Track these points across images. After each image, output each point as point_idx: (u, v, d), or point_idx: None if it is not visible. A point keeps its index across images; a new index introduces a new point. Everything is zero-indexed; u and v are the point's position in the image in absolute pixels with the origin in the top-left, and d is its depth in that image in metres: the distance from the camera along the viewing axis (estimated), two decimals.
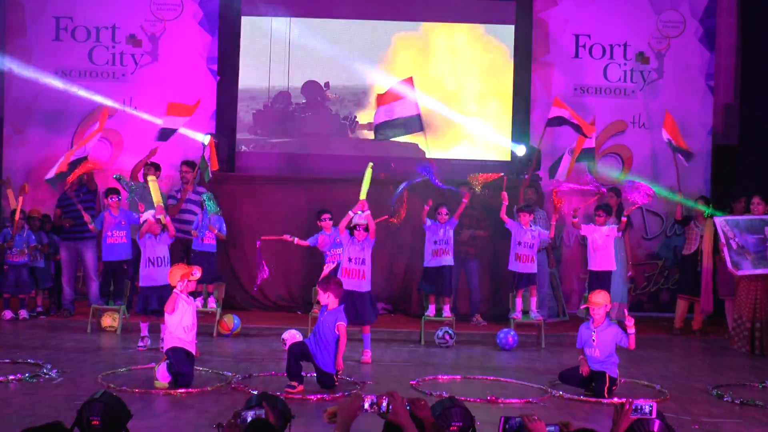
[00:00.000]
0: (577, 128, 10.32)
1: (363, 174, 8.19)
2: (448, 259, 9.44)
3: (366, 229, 8.12)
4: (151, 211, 8.21)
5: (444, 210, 9.38)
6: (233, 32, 12.09)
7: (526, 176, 10.67)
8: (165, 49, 12.03)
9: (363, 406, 4.12)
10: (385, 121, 9.89)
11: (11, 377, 6.79)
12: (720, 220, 9.30)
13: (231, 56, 12.08)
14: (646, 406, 4.49)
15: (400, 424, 4.02)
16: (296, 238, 9.25)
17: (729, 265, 9.13)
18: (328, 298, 7.07)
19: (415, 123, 9.87)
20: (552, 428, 4.09)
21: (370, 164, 8.24)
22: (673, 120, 10.43)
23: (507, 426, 4.35)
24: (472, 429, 5.01)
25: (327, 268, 7.86)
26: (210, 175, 9.97)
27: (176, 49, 12.01)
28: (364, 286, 8.15)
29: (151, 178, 8.52)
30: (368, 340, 8.18)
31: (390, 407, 4.14)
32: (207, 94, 11.96)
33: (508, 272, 9.60)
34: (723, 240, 9.16)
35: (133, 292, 9.45)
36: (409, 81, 9.96)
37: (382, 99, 10.02)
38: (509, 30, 12.12)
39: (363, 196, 8.05)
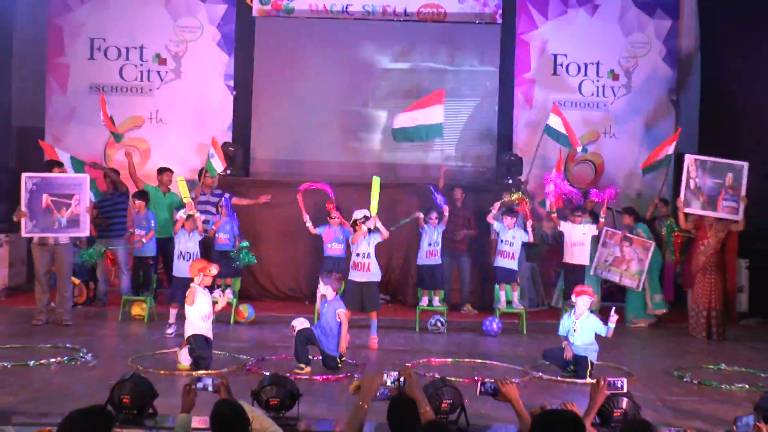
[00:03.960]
0: (565, 139, 10.30)
1: (370, 181, 8.24)
2: (437, 259, 9.47)
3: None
4: (187, 205, 8.24)
5: (434, 214, 9.42)
6: (248, 52, 12.12)
7: (509, 181, 10.70)
8: (187, 67, 12.05)
9: (385, 381, 4.21)
10: (406, 127, 9.88)
11: (52, 360, 6.84)
12: (690, 157, 9.25)
13: (245, 73, 12.11)
14: (618, 382, 4.61)
15: (414, 397, 4.08)
16: (311, 224, 9.28)
17: (680, 197, 9.11)
18: (327, 290, 7.13)
19: (438, 130, 9.88)
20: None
21: (376, 178, 8.24)
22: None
23: (483, 389, 4.45)
24: (461, 406, 5.05)
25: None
26: (216, 172, 10.01)
27: (197, 67, 12.03)
28: (371, 277, 8.19)
29: (180, 178, 8.54)
30: (375, 326, 8.18)
31: (405, 382, 4.22)
32: (224, 107, 12.01)
33: (493, 267, 9.66)
34: (684, 177, 9.10)
35: (159, 285, 9.48)
36: (441, 94, 9.98)
37: (411, 106, 10.03)
38: (494, 50, 12.15)
39: (374, 212, 8.11)
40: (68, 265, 8.85)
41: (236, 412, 3.84)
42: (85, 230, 8.82)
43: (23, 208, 8.52)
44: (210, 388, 4.45)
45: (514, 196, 9.47)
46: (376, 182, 8.25)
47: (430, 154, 12.06)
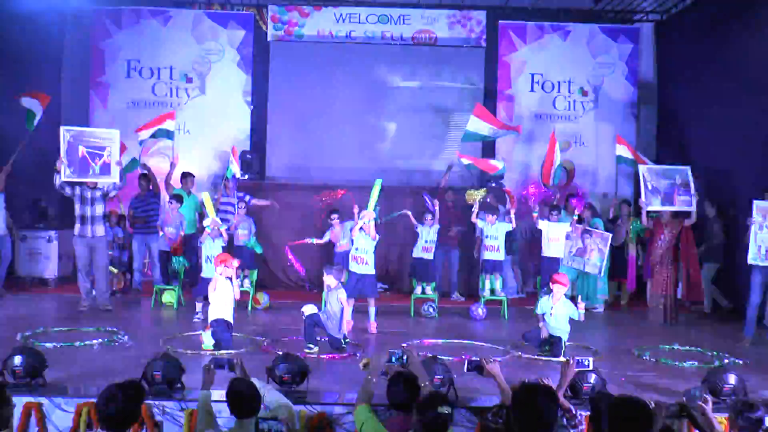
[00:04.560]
0: (495, 131, 10.53)
1: (372, 184, 8.17)
2: (430, 255, 9.47)
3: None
4: (210, 219, 8.16)
5: (429, 216, 9.43)
6: (263, 71, 12.14)
7: (493, 184, 10.71)
8: (211, 85, 12.06)
9: (390, 358, 4.28)
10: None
11: (94, 341, 6.88)
12: (643, 167, 9.40)
13: (262, 90, 12.13)
14: (585, 360, 4.62)
15: (416, 372, 4.17)
16: (315, 239, 9.32)
17: (642, 198, 9.18)
18: (330, 280, 7.13)
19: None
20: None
21: (379, 181, 8.18)
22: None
23: (470, 366, 4.50)
24: (451, 381, 5.09)
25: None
26: (233, 174, 10.03)
27: (219, 85, 12.03)
28: (368, 269, 8.16)
29: (204, 194, 8.44)
30: (374, 313, 8.17)
31: (408, 360, 4.29)
32: (242, 120, 12.03)
33: (479, 259, 9.68)
34: (642, 182, 9.22)
35: (186, 275, 9.50)
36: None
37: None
38: (480, 70, 12.18)
39: (371, 207, 8.02)
40: (105, 257, 8.84)
41: (249, 388, 3.91)
42: (115, 177, 8.64)
43: (62, 156, 8.45)
44: (226, 368, 4.49)
45: (481, 192, 9.60)
46: (377, 184, 8.19)
47: (434, 161, 12.05)
